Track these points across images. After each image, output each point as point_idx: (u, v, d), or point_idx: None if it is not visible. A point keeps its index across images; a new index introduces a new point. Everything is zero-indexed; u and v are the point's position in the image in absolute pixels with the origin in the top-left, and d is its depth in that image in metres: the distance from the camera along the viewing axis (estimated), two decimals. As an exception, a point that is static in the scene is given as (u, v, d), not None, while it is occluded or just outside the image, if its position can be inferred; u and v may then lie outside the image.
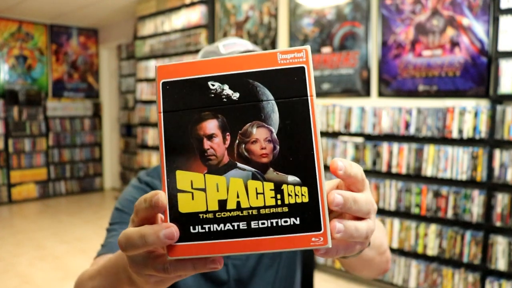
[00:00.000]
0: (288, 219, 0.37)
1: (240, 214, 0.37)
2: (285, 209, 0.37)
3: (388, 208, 3.01)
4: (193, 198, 0.38)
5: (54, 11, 5.79)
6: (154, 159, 4.99)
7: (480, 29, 2.63)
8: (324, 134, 3.38)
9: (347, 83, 3.31)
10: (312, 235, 0.37)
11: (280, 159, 0.37)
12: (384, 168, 3.02)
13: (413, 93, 2.95)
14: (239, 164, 0.38)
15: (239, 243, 0.37)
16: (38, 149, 6.18)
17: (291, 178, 0.37)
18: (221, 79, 0.38)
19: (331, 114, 3.30)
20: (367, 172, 3.14)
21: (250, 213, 0.37)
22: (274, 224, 0.37)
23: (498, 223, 2.53)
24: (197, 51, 4.42)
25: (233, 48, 0.94)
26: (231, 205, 0.37)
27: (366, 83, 3.20)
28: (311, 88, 0.38)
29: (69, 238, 4.37)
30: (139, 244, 0.37)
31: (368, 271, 0.80)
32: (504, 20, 2.49)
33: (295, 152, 0.37)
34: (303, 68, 0.38)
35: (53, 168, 6.35)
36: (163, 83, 0.39)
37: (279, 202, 0.37)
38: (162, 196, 0.37)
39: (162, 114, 0.39)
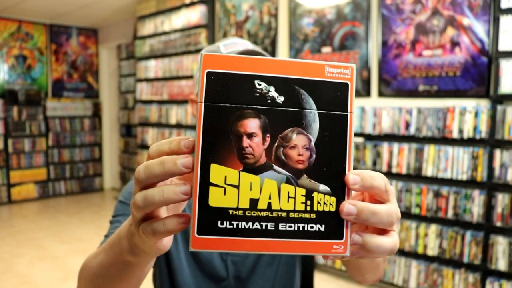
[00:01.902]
0: (314, 225, 0.39)
1: (270, 215, 0.38)
2: (313, 215, 0.39)
3: (388, 208, 3.00)
4: (225, 193, 0.38)
5: (53, 11, 5.78)
6: (154, 159, 4.98)
7: (480, 29, 2.62)
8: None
9: (347, 83, 3.30)
10: (334, 243, 0.39)
11: (314, 167, 0.39)
12: (384, 168, 3.01)
13: (413, 93, 2.95)
14: (275, 167, 0.39)
15: (264, 242, 0.38)
16: (37, 149, 6.18)
17: (323, 187, 0.39)
18: (268, 80, 0.39)
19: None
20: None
21: (280, 215, 0.38)
22: (301, 228, 0.38)
23: (498, 223, 2.53)
24: (197, 51, 4.41)
25: (234, 47, 0.94)
26: (262, 205, 0.38)
27: (366, 83, 3.20)
28: (352, 105, 0.40)
29: (69, 238, 4.37)
30: (157, 171, 0.37)
31: (370, 275, 0.80)
32: (504, 20, 2.48)
33: (329, 163, 0.39)
34: (347, 84, 0.40)
35: (53, 168, 6.35)
36: (208, 73, 0.38)
37: (308, 208, 0.39)
38: (192, 159, 0.38)
39: (203, 104, 0.38)
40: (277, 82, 0.39)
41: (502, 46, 2.49)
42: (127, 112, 6.16)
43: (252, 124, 0.38)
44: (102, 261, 0.59)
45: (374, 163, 3.07)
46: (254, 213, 0.38)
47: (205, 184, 0.38)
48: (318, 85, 0.39)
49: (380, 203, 0.41)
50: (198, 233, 0.37)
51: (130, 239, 0.48)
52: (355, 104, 3.23)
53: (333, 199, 0.39)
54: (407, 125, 2.90)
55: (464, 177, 2.66)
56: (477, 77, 2.66)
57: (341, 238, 0.39)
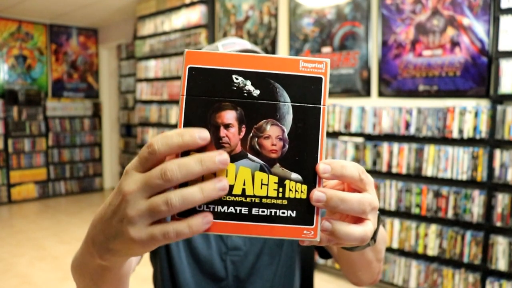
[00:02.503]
0: (285, 211, 0.41)
1: (244, 200, 0.40)
2: (285, 202, 0.41)
3: (389, 208, 3.00)
4: (203, 179, 0.39)
5: (53, 11, 5.78)
6: (154, 159, 4.98)
7: (480, 29, 2.62)
8: (324, 134, 3.37)
9: (347, 83, 3.31)
10: (304, 228, 0.41)
11: (287, 157, 0.41)
12: (384, 168, 3.01)
13: (413, 93, 2.95)
14: (249, 155, 0.41)
15: (238, 225, 0.40)
16: (37, 149, 6.18)
17: (294, 176, 0.41)
18: (245, 75, 0.41)
19: (331, 114, 3.30)
20: (367, 172, 3.13)
21: (253, 200, 0.41)
22: (273, 214, 0.41)
23: (498, 223, 2.53)
24: (197, 51, 4.41)
25: (232, 47, 0.94)
26: (237, 190, 0.40)
27: (366, 83, 3.20)
28: (325, 99, 0.42)
29: (68, 238, 4.37)
30: (175, 142, 0.37)
31: (363, 273, 0.80)
32: (504, 20, 2.48)
33: (301, 153, 0.41)
34: (321, 78, 0.42)
35: (53, 168, 6.35)
36: (190, 68, 0.41)
37: (280, 194, 0.41)
38: (206, 132, 0.38)
39: (184, 96, 0.41)
40: (254, 76, 0.41)
41: (502, 46, 2.49)
42: (127, 112, 6.17)
43: (229, 116, 0.41)
44: (77, 259, 0.56)
45: (374, 163, 3.07)
46: (229, 198, 0.40)
47: None
48: (292, 79, 0.41)
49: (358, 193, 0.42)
50: (179, 215, 0.39)
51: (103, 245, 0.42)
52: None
53: (304, 187, 0.41)
54: (407, 125, 2.90)
55: (464, 177, 2.66)
56: (477, 77, 2.66)
57: (311, 224, 0.41)
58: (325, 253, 0.98)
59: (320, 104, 0.41)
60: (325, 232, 0.41)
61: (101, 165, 6.92)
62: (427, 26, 2.86)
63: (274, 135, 0.41)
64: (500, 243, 2.52)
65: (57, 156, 6.39)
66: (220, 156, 0.37)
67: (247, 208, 0.40)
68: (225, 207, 0.40)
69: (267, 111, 0.41)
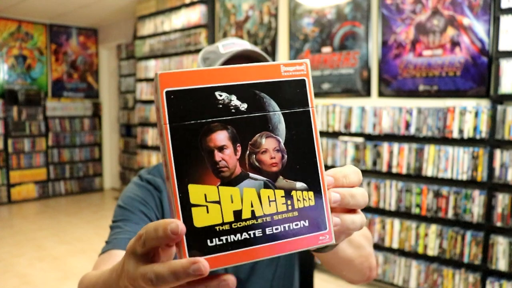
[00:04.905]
0: (298, 222, 0.40)
1: (256, 222, 0.38)
2: (296, 213, 0.40)
3: (389, 208, 3.00)
4: (208, 211, 0.37)
5: (53, 11, 5.78)
6: (154, 159, 4.98)
7: (480, 28, 2.62)
8: (324, 134, 3.37)
9: (348, 83, 3.31)
10: (320, 234, 0.40)
11: (288, 167, 0.40)
12: (384, 168, 3.01)
13: (413, 93, 2.95)
14: (251, 174, 0.39)
15: (256, 250, 0.38)
16: (37, 149, 6.17)
17: (299, 185, 0.40)
18: (229, 89, 0.38)
19: (331, 114, 3.30)
20: (367, 172, 3.13)
21: (265, 220, 0.39)
22: (287, 228, 0.39)
23: (498, 223, 2.53)
24: (197, 51, 4.41)
25: (232, 48, 0.94)
26: (246, 214, 0.38)
27: (367, 83, 3.20)
28: (312, 100, 0.41)
29: (68, 239, 4.37)
30: (169, 280, 0.35)
31: (348, 272, 0.79)
32: (504, 19, 2.48)
33: (301, 160, 0.40)
34: (304, 80, 0.41)
35: (53, 168, 6.35)
36: (167, 92, 0.37)
37: (289, 207, 0.39)
38: (181, 224, 0.35)
39: (168, 125, 0.37)
40: (238, 89, 0.38)
41: (502, 46, 2.49)
42: (127, 112, 6.16)
43: (221, 137, 0.38)
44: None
45: (374, 163, 3.07)
46: (240, 224, 0.38)
47: (187, 206, 0.37)
48: (277, 85, 0.40)
49: None
50: (190, 256, 0.36)
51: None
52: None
53: (311, 193, 0.40)
54: (407, 125, 2.90)
55: (464, 177, 2.66)
56: (477, 77, 2.66)
57: (325, 228, 0.40)
58: None
59: (308, 107, 0.41)
60: (336, 227, 0.41)
61: (101, 165, 6.91)
62: (427, 26, 2.86)
63: (271, 147, 0.39)
64: (500, 243, 2.52)
65: (57, 156, 6.39)
66: (195, 266, 0.34)
67: (260, 230, 0.38)
68: (238, 235, 0.37)
69: (259, 124, 0.39)
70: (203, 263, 0.35)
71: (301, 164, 0.40)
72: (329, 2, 3.39)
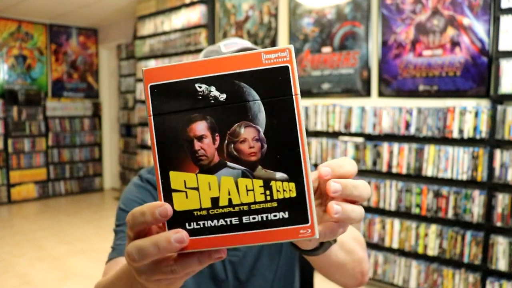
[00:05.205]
0: (277, 213, 0.39)
1: (232, 210, 0.39)
2: (274, 204, 0.39)
3: (389, 208, 3.00)
4: (187, 197, 0.40)
5: (53, 11, 5.78)
6: (154, 159, 4.98)
7: (480, 28, 2.62)
8: (324, 134, 3.37)
9: (348, 83, 3.31)
10: (300, 228, 0.39)
11: (268, 157, 0.39)
12: (384, 168, 3.01)
13: (413, 93, 2.95)
14: (229, 163, 0.40)
15: (232, 237, 0.39)
16: (37, 149, 6.17)
17: (279, 175, 0.39)
18: (208, 81, 0.39)
19: (331, 114, 3.30)
20: (368, 172, 3.13)
21: (242, 209, 0.39)
22: (265, 219, 0.39)
23: (498, 223, 2.53)
24: (197, 51, 4.41)
25: (234, 47, 0.94)
26: (223, 202, 0.39)
27: (367, 83, 3.20)
28: (296, 87, 0.39)
29: (68, 239, 4.37)
30: (153, 252, 0.38)
31: (340, 276, 0.78)
32: (504, 19, 2.48)
33: (282, 150, 0.39)
34: (287, 67, 0.39)
35: (53, 168, 6.35)
36: (151, 87, 0.40)
37: (268, 197, 0.39)
38: (168, 206, 0.39)
39: (152, 117, 0.40)
40: (217, 81, 0.39)
41: (502, 46, 2.49)
42: (127, 112, 6.16)
43: (200, 127, 0.40)
44: None
45: (374, 163, 3.07)
46: (217, 211, 0.39)
47: (168, 191, 0.40)
48: (257, 74, 0.39)
49: None
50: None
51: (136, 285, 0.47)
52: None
53: (292, 184, 0.39)
54: (407, 125, 2.90)
55: (464, 177, 2.66)
56: (477, 77, 2.66)
57: (307, 222, 0.39)
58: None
59: (291, 94, 0.39)
60: (337, 214, 0.40)
61: (101, 165, 6.91)
62: (427, 26, 2.86)
63: (250, 137, 0.39)
64: (500, 243, 2.52)
65: (57, 156, 6.39)
66: (176, 235, 0.38)
67: (237, 218, 0.39)
68: (215, 221, 0.39)
69: (238, 114, 0.39)
70: (185, 233, 0.38)
71: (282, 154, 0.39)
72: (329, 2, 3.39)
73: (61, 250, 4.02)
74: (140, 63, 5.18)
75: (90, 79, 6.91)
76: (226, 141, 0.39)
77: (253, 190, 0.39)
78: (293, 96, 0.39)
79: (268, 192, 0.39)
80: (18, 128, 5.97)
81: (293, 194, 0.39)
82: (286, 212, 0.39)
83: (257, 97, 0.39)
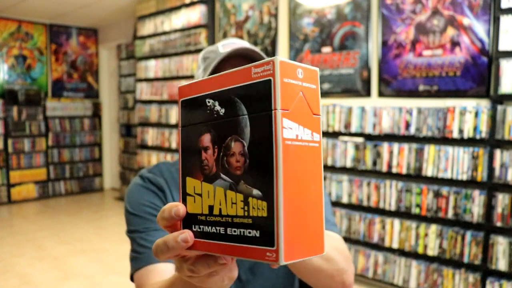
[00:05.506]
0: (251, 231, 0.38)
1: (221, 220, 0.41)
2: (250, 220, 0.38)
3: (389, 208, 3.00)
4: (194, 201, 0.44)
5: (53, 11, 5.78)
6: (153, 159, 4.98)
7: (480, 28, 2.62)
8: (324, 134, 3.38)
9: (347, 83, 3.31)
10: (267, 250, 0.37)
11: (249, 172, 0.39)
12: (384, 168, 3.01)
13: (413, 93, 2.95)
14: (222, 175, 0.41)
15: (218, 245, 0.41)
16: (37, 149, 6.17)
17: (255, 192, 0.38)
18: (214, 96, 0.42)
19: (331, 114, 3.30)
20: (367, 172, 3.14)
21: (227, 220, 0.40)
22: (242, 233, 0.39)
23: (498, 223, 2.53)
24: (197, 51, 4.41)
25: (232, 47, 0.94)
26: (216, 211, 0.42)
27: (367, 83, 3.20)
28: (275, 101, 0.37)
29: (68, 239, 4.37)
30: (164, 249, 0.43)
31: (316, 281, 0.76)
32: (504, 19, 2.48)
33: (259, 167, 0.38)
34: (269, 81, 0.38)
35: (53, 168, 6.35)
36: (182, 101, 0.46)
37: (246, 213, 0.39)
38: (181, 207, 0.44)
39: (180, 128, 0.46)
40: (219, 96, 0.42)
41: (502, 46, 2.49)
42: (127, 112, 6.16)
43: (206, 139, 0.43)
44: None
45: (374, 163, 3.07)
46: (211, 218, 0.42)
47: (184, 194, 0.45)
48: (246, 89, 0.39)
49: None
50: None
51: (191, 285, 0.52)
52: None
53: (264, 203, 0.37)
54: (407, 125, 2.90)
55: (464, 177, 2.66)
56: (477, 77, 2.66)
57: (272, 246, 0.36)
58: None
59: (270, 110, 0.37)
60: None
61: (101, 165, 6.92)
62: (427, 26, 2.86)
63: (237, 151, 0.40)
64: (500, 243, 2.52)
65: (57, 156, 6.39)
66: (182, 235, 0.42)
67: (223, 228, 0.40)
68: (210, 227, 0.42)
69: (231, 128, 0.40)
70: (189, 233, 0.42)
71: (259, 171, 0.38)
72: (329, 2, 3.39)
73: (61, 250, 4.02)
74: (140, 63, 5.18)
75: (90, 79, 6.91)
76: (221, 154, 0.41)
77: (236, 203, 0.39)
78: (272, 112, 0.37)
79: (246, 208, 0.39)
80: (18, 128, 5.98)
81: (265, 214, 0.37)
82: (258, 231, 0.38)
83: (245, 111, 0.39)
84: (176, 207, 0.44)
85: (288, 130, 0.37)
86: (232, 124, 0.40)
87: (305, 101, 0.39)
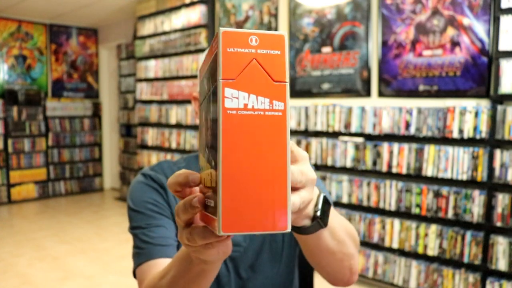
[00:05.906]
0: (212, 201, 0.39)
1: (207, 192, 0.42)
2: (210, 192, 0.40)
3: (389, 208, 3.00)
4: (202, 176, 0.46)
5: (53, 11, 5.78)
6: (153, 159, 4.98)
7: (480, 28, 2.62)
8: (324, 134, 3.38)
9: (348, 83, 3.31)
10: (215, 220, 0.37)
11: (211, 144, 0.40)
12: (384, 168, 3.01)
13: (413, 93, 2.95)
14: (206, 149, 0.44)
15: (202, 214, 0.44)
16: (37, 149, 6.17)
17: (213, 163, 0.38)
18: (206, 76, 0.45)
19: (331, 114, 3.30)
20: (368, 172, 3.13)
21: (208, 191, 0.41)
22: (209, 204, 0.40)
23: (498, 223, 2.53)
24: (197, 51, 4.41)
25: None
26: (207, 183, 0.42)
27: (367, 83, 3.20)
28: (218, 72, 0.37)
29: (68, 239, 4.37)
30: (182, 209, 0.44)
31: (327, 264, 0.74)
32: (504, 19, 2.48)
33: (213, 138, 0.38)
34: (217, 53, 0.39)
35: (53, 168, 6.35)
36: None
37: (211, 184, 0.40)
38: (197, 175, 0.44)
39: (199, 107, 0.50)
40: (206, 75, 0.44)
41: (502, 46, 2.49)
42: (127, 112, 6.16)
43: (204, 116, 0.46)
44: (173, 276, 0.62)
45: (374, 163, 3.07)
46: (204, 190, 0.43)
47: (198, 170, 0.49)
48: (211, 64, 0.41)
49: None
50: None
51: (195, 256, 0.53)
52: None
53: (214, 172, 0.38)
54: (407, 125, 2.90)
55: (464, 177, 2.66)
56: (477, 77, 2.66)
57: (215, 215, 0.36)
58: None
59: (216, 80, 0.37)
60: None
61: (101, 165, 6.92)
62: (427, 26, 2.86)
63: (210, 125, 0.41)
64: (500, 243, 2.52)
65: (57, 156, 6.39)
66: (195, 199, 0.43)
67: (208, 200, 0.41)
68: (206, 199, 0.42)
69: (207, 104, 0.43)
70: (198, 197, 0.42)
71: (214, 142, 0.38)
72: (329, 2, 3.39)
73: (61, 250, 4.02)
74: (140, 63, 5.18)
75: (90, 79, 6.91)
76: (208, 129, 0.43)
77: (210, 175, 0.40)
78: (219, 81, 0.36)
79: (210, 179, 0.39)
80: (18, 128, 5.98)
81: (214, 184, 0.37)
82: (212, 202, 0.38)
83: (211, 87, 0.40)
84: (194, 175, 0.44)
85: (233, 99, 0.36)
86: (208, 100, 0.42)
87: (261, 68, 0.37)
